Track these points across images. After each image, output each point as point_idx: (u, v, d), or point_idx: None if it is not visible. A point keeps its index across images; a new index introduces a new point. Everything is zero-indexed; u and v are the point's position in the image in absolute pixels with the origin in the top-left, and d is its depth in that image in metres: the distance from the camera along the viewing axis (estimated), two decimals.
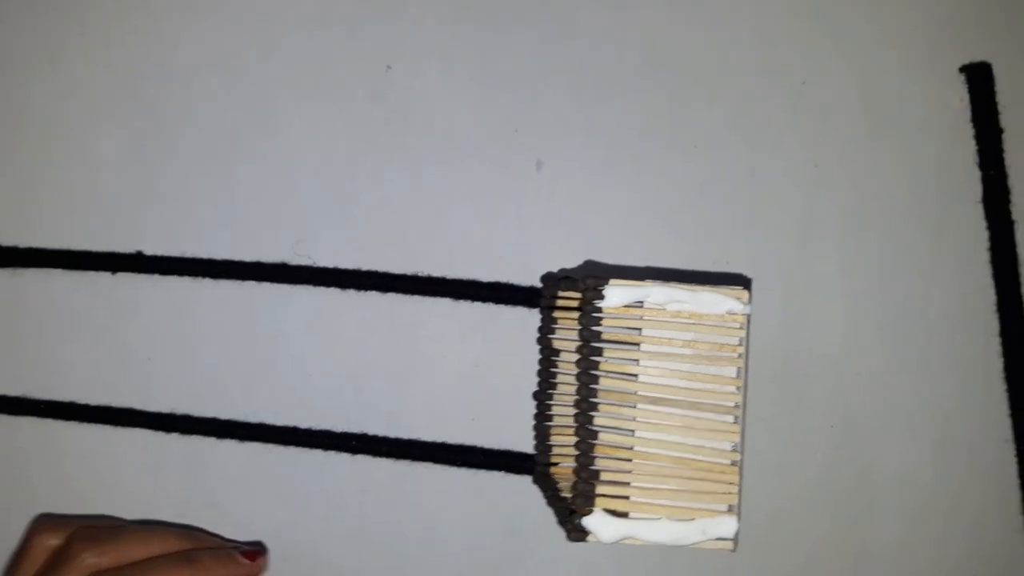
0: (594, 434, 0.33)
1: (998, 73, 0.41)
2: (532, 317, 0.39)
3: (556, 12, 0.42)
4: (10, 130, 0.42)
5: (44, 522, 0.37)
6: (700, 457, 0.34)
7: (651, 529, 0.33)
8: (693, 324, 0.33)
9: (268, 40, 0.42)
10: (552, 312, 0.36)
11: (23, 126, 0.42)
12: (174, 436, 0.41)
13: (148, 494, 0.41)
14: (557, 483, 0.37)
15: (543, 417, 0.37)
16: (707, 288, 0.33)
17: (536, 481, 0.38)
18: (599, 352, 0.33)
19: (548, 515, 0.36)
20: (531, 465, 0.38)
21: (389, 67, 0.42)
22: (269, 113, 0.42)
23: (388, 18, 0.42)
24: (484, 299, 0.40)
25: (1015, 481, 0.39)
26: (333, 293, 0.41)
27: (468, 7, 0.42)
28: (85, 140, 0.42)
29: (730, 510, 0.34)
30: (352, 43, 0.42)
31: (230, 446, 0.41)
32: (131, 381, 0.41)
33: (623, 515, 0.33)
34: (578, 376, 0.33)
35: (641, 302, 0.34)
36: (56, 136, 0.42)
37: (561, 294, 0.36)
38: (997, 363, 0.40)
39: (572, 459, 0.35)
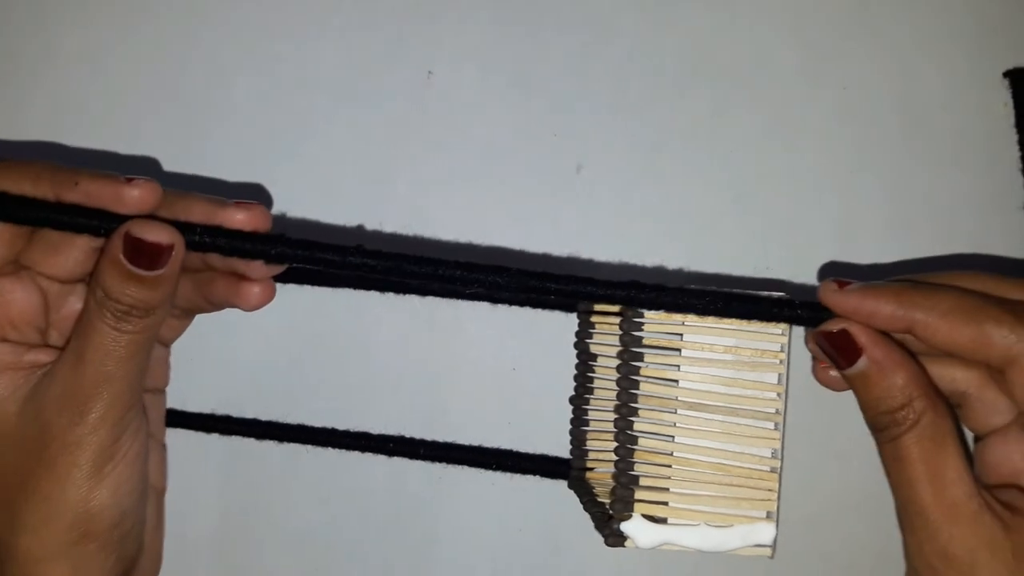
0: (634, 439, 0.33)
1: None
2: (570, 321, 0.39)
3: (596, 17, 0.42)
4: (49, 133, 0.42)
5: None
6: (740, 463, 0.33)
7: (690, 535, 0.33)
8: (735, 330, 0.33)
9: (308, 44, 0.42)
10: (590, 317, 0.36)
11: (63, 130, 0.42)
12: (214, 436, 0.41)
13: (186, 494, 0.42)
14: (593, 488, 0.37)
15: (579, 422, 0.37)
16: (750, 293, 0.33)
17: (571, 486, 0.38)
18: (640, 357, 0.33)
19: (583, 520, 0.36)
20: (566, 470, 0.38)
21: (430, 72, 0.42)
22: (309, 117, 0.42)
23: (428, 23, 0.42)
24: (522, 303, 0.40)
25: None
26: (372, 296, 0.41)
27: (508, 12, 0.42)
28: (125, 143, 0.42)
29: (769, 517, 0.34)
30: (392, 48, 0.42)
31: (268, 447, 0.41)
32: (172, 382, 0.42)
33: (661, 521, 0.33)
34: (618, 381, 0.33)
35: None
36: (96, 138, 0.42)
37: None
38: None
39: (608, 464, 0.35)
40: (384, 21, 0.42)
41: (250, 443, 0.41)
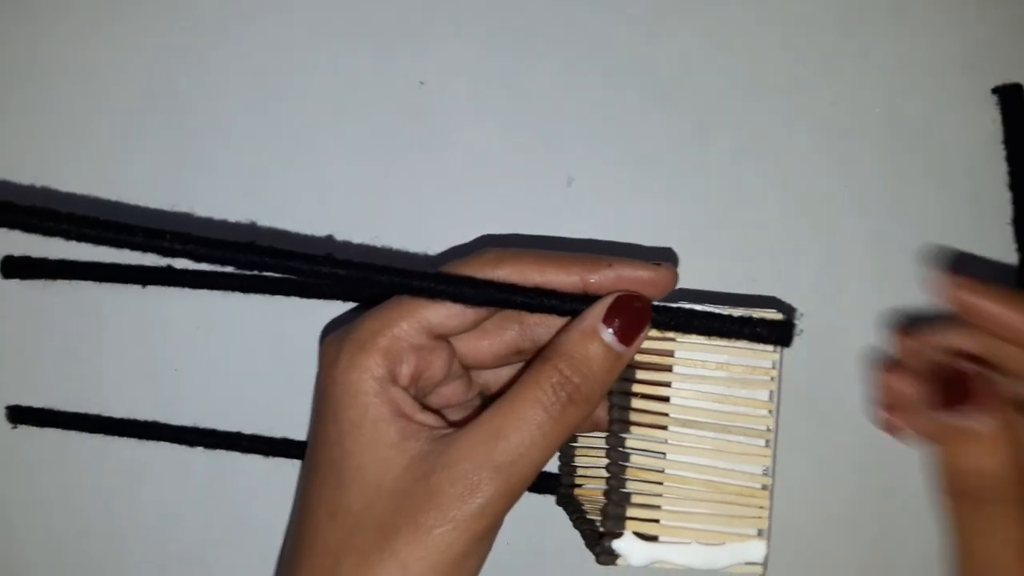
0: (625, 456, 0.33)
1: None
2: None
3: (587, 30, 0.42)
4: (42, 144, 0.42)
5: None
6: (731, 481, 0.33)
7: (681, 553, 0.33)
8: (726, 347, 0.33)
9: (301, 55, 0.42)
10: None
11: (55, 141, 0.42)
12: (198, 450, 0.41)
13: (171, 508, 0.41)
14: (582, 505, 0.36)
15: (569, 438, 0.37)
16: (740, 310, 0.33)
17: (559, 502, 0.38)
18: (631, 373, 0.33)
19: (571, 535, 0.36)
20: (555, 485, 0.38)
21: (422, 83, 0.42)
22: (301, 128, 0.42)
23: (421, 34, 0.42)
24: None
25: None
26: (359, 309, 0.41)
27: (500, 25, 0.42)
28: (116, 154, 0.42)
29: (760, 534, 0.33)
30: (384, 59, 0.42)
31: (254, 461, 0.41)
32: (157, 394, 0.41)
33: (652, 538, 0.33)
34: (610, 397, 0.33)
35: None
36: (87, 150, 0.42)
37: None
38: None
39: (596, 481, 0.35)
40: (377, 31, 0.42)
41: (234, 457, 0.41)
